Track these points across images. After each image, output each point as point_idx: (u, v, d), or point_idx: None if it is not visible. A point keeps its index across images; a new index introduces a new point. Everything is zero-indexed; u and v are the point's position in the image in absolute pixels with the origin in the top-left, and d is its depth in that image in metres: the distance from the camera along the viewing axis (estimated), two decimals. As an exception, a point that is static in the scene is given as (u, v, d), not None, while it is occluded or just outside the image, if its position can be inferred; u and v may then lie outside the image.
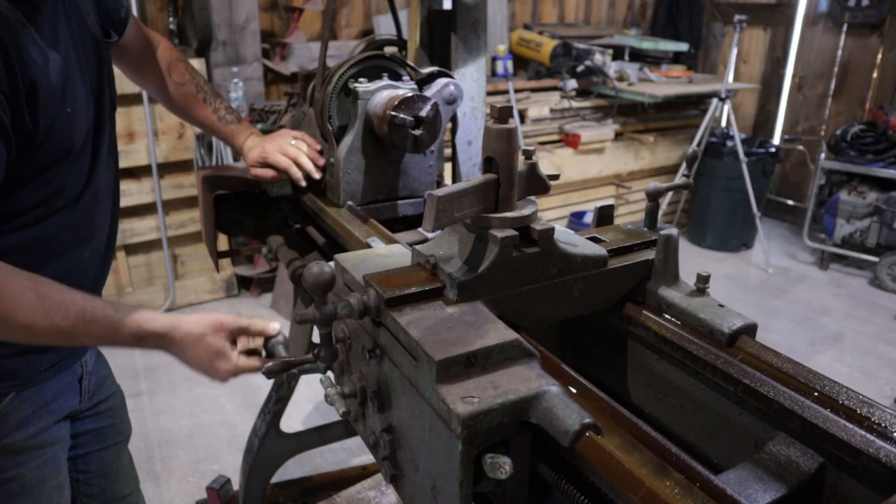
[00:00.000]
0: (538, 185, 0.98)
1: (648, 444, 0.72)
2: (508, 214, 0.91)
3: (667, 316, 1.03)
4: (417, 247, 0.99)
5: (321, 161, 1.58)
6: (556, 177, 1.02)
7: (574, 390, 0.84)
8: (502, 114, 0.89)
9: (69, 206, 1.14)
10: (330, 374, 1.13)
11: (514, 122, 0.90)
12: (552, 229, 0.94)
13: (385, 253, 1.06)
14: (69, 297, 1.01)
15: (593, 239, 1.09)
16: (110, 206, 1.29)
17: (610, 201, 1.17)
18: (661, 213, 5.03)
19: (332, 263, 1.00)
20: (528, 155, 0.97)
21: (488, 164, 0.91)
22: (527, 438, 0.79)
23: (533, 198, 0.98)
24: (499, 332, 0.83)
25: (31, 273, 1.00)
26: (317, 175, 1.56)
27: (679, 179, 1.16)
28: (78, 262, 1.21)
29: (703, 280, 1.04)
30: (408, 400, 0.87)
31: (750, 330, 0.96)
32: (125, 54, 1.47)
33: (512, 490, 0.82)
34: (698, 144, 4.99)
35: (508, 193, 0.91)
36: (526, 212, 0.93)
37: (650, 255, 1.07)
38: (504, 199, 0.91)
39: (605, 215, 1.19)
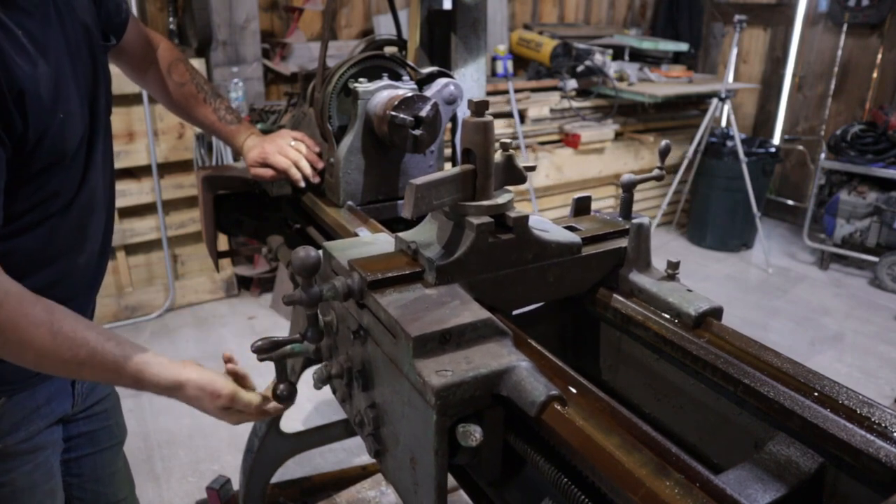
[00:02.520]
0: (515, 175, 1.03)
1: (648, 444, 0.72)
2: (484, 203, 0.97)
3: (636, 299, 1.08)
4: (400, 234, 1.04)
5: (320, 165, 1.58)
6: (532, 168, 1.08)
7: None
8: (479, 108, 0.94)
9: (62, 211, 1.13)
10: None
11: (490, 115, 0.96)
12: (526, 217, 0.99)
13: (371, 241, 1.11)
14: (82, 335, 1.01)
15: (570, 228, 1.14)
16: (105, 212, 1.28)
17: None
18: (661, 212, 5.03)
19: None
20: (506, 147, 1.02)
21: (466, 155, 0.97)
22: (499, 411, 0.83)
23: (509, 188, 1.04)
24: (473, 312, 0.88)
25: (48, 301, 1.01)
26: (315, 180, 1.57)
27: (653, 172, 1.20)
28: (71, 268, 1.19)
29: (672, 266, 1.09)
30: (389, 376, 0.92)
31: (716, 313, 1.01)
32: (125, 54, 1.46)
33: (486, 462, 0.87)
34: (698, 144, 4.99)
35: (485, 183, 0.97)
36: (501, 200, 0.98)
37: (623, 243, 1.12)
38: (481, 189, 0.97)
39: (582, 206, 1.24)
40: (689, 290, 1.04)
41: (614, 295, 1.10)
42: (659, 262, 1.12)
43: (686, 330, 0.99)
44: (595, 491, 0.75)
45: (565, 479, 0.78)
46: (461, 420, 0.80)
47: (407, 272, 0.96)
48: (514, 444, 0.86)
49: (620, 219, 1.19)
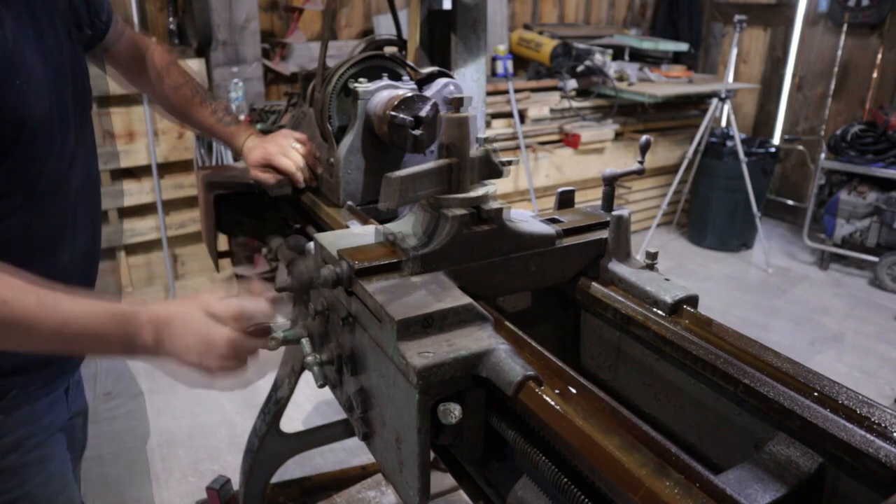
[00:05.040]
0: (493, 169, 1.06)
1: (648, 444, 0.72)
2: (462, 195, 1.00)
3: (616, 288, 1.12)
4: (382, 225, 1.08)
5: (319, 169, 1.60)
6: (510, 162, 1.10)
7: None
8: (457, 104, 0.98)
9: (35, 201, 1.10)
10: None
11: (468, 111, 1.00)
12: (502, 209, 1.03)
13: (360, 232, 1.14)
14: (61, 289, 0.96)
15: (553, 220, 1.18)
16: (88, 210, 1.25)
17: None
18: (661, 212, 5.03)
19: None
20: (484, 142, 1.05)
21: (445, 149, 1.00)
22: (480, 393, 0.87)
23: (488, 182, 1.07)
24: (455, 298, 0.92)
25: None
26: (312, 184, 1.59)
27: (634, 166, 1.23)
28: (53, 269, 1.14)
29: (651, 257, 1.13)
30: (375, 360, 0.96)
31: (691, 301, 1.04)
32: (114, 59, 1.46)
33: (469, 442, 0.91)
34: (698, 144, 4.99)
35: (463, 176, 1.00)
36: (478, 193, 1.02)
37: (604, 234, 1.15)
38: (460, 182, 1.00)
39: (566, 199, 1.27)
40: (667, 280, 1.08)
41: (593, 284, 1.14)
42: (659, 261, 1.14)
43: (683, 328, 1.00)
44: (594, 490, 0.75)
45: (565, 480, 0.78)
46: (443, 400, 0.83)
47: (394, 261, 1.00)
48: (495, 424, 0.89)
49: (602, 211, 1.22)
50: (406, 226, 1.07)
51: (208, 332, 0.99)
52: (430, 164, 0.99)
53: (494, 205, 1.03)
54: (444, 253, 0.99)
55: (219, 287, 1.06)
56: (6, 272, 0.92)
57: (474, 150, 1.03)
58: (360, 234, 1.13)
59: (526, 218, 1.12)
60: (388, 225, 1.08)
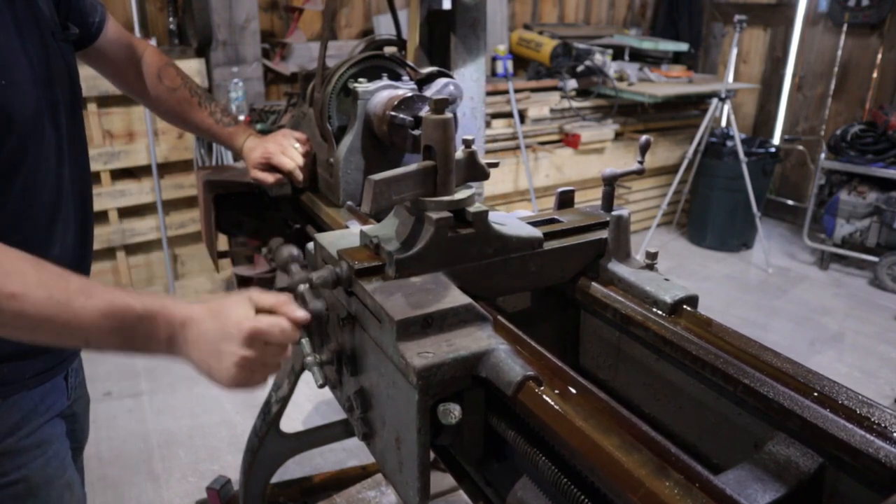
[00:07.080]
0: (477, 172, 1.06)
1: (648, 444, 0.72)
2: (444, 198, 0.99)
3: (615, 288, 1.12)
4: (364, 228, 1.08)
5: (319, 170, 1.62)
6: (495, 164, 1.09)
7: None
8: (439, 105, 0.97)
9: (20, 198, 1.09)
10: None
11: (450, 113, 0.99)
12: (486, 212, 1.02)
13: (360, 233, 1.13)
14: (69, 273, 0.94)
15: (552, 220, 1.18)
16: (79, 206, 1.25)
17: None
18: (661, 212, 5.03)
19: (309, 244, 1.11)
20: (468, 144, 1.04)
21: (427, 151, 0.99)
22: (479, 393, 0.87)
23: (473, 184, 1.07)
24: (454, 298, 0.92)
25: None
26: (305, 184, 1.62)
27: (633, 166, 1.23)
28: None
29: (651, 257, 1.14)
30: (375, 360, 0.96)
31: (691, 301, 1.04)
32: (106, 61, 1.45)
33: (469, 442, 0.91)
34: (698, 144, 4.99)
35: (446, 179, 0.99)
36: (461, 196, 1.00)
37: (604, 234, 1.16)
38: (442, 185, 0.99)
39: (565, 199, 1.28)
40: (667, 280, 1.08)
41: (593, 284, 1.14)
42: (659, 261, 1.14)
43: (683, 328, 1.00)
44: (594, 491, 0.75)
45: (565, 480, 0.78)
46: (443, 400, 0.83)
47: (376, 264, 1.00)
48: (495, 424, 0.89)
49: (602, 211, 1.22)
50: (389, 228, 1.06)
51: (219, 347, 0.94)
52: (411, 166, 0.98)
53: (478, 207, 1.01)
54: (424, 257, 0.98)
55: (244, 299, 0.98)
56: (21, 261, 0.91)
57: (459, 152, 1.02)
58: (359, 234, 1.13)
59: (509, 221, 1.11)
60: (368, 228, 1.07)
